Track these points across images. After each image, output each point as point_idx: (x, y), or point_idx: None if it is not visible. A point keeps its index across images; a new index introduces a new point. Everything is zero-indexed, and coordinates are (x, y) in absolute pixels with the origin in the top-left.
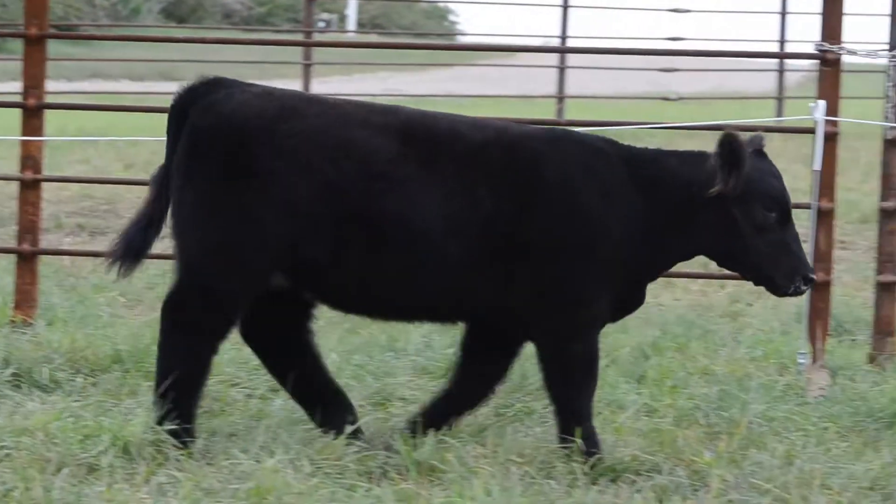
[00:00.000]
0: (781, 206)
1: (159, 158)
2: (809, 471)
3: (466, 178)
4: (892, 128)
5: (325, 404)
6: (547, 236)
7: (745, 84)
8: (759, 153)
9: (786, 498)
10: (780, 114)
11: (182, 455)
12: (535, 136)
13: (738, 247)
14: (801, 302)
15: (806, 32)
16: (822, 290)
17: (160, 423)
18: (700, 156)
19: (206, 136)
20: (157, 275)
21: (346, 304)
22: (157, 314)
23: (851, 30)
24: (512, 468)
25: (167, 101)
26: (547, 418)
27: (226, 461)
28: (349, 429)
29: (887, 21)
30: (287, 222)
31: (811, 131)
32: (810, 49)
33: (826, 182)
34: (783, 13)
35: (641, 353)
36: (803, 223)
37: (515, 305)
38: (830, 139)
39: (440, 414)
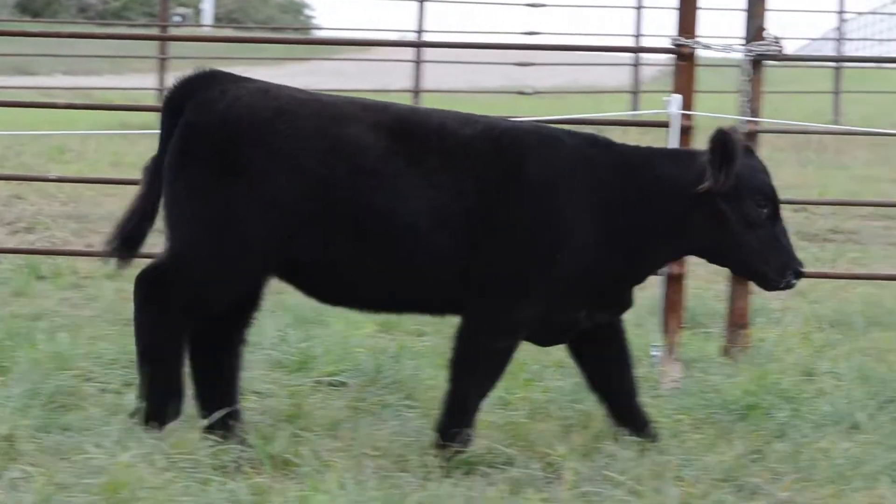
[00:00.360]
0: (773, 201)
1: (13, 153)
2: (662, 462)
3: (453, 172)
4: (745, 122)
5: (220, 406)
6: (509, 232)
7: (601, 78)
8: (748, 149)
9: (639, 490)
10: (635, 107)
11: (35, 450)
12: (527, 133)
13: (730, 244)
14: (654, 294)
15: (661, 27)
16: (675, 283)
17: (143, 395)
18: (691, 154)
19: (199, 134)
20: None
21: (336, 298)
22: None
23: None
24: (366, 461)
25: (19, 96)
26: (401, 411)
27: (79, 456)
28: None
29: (742, 16)
30: (276, 222)
31: (666, 125)
32: (665, 43)
33: None
34: (638, 7)
35: None
36: None
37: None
38: (685, 133)
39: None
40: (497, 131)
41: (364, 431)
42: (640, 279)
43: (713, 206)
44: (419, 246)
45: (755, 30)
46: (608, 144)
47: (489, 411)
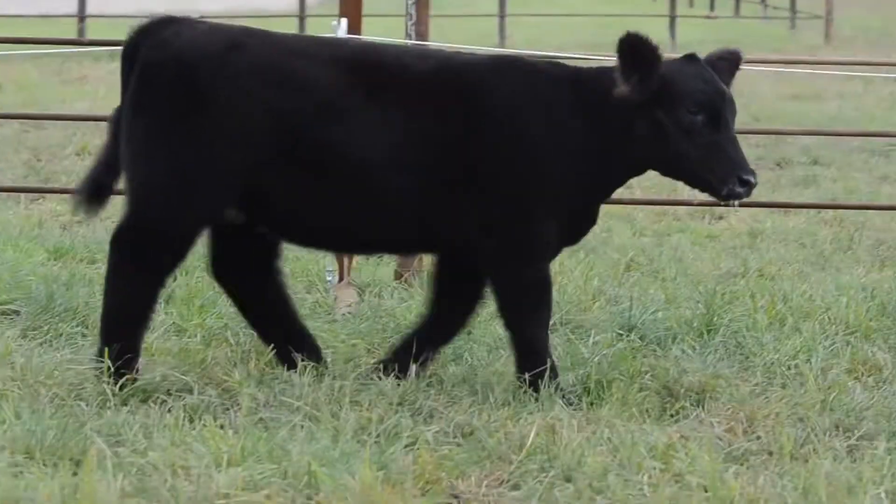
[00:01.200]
0: (708, 108)
1: None
2: (339, 387)
3: (413, 107)
4: (412, 45)
5: (294, 345)
6: (491, 164)
7: (267, 3)
8: (690, 57)
9: (316, 415)
10: (302, 32)
11: None
12: (480, 64)
13: (670, 152)
14: None
15: None
16: None
17: (101, 355)
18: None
19: (155, 72)
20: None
21: (301, 236)
22: None
23: None
24: (41, 390)
25: None
26: (75, 340)
27: None
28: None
29: None
30: (235, 154)
31: None
32: None
33: None
34: None
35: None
36: None
37: (465, 235)
38: None
39: (414, 351)
40: (455, 63)
41: (38, 360)
42: (605, 195)
43: (651, 115)
44: (378, 183)
45: None
46: (560, 66)
47: (164, 338)
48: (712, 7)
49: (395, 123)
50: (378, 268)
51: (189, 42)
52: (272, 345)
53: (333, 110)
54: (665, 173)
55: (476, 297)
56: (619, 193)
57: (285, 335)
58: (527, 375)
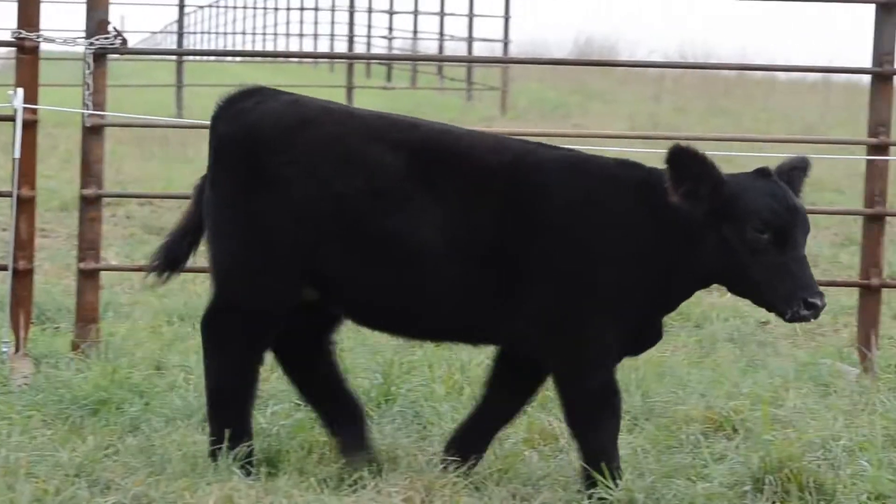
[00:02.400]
0: (775, 227)
1: None
2: (15, 459)
3: (475, 200)
4: (90, 115)
5: (343, 420)
6: (548, 267)
7: None
8: (761, 172)
9: None
10: None
11: None
12: (551, 161)
13: (735, 269)
14: (1, 290)
15: (3, 19)
16: (23, 278)
17: (215, 440)
18: None
19: (228, 145)
20: None
21: (365, 319)
22: None
23: (49, 17)
24: None
25: None
26: None
27: None
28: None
29: (84, 9)
30: (302, 231)
31: (11, 119)
32: (7, 36)
33: (26, 170)
34: None
35: None
36: (4, 211)
37: (525, 335)
38: (29, 127)
39: (476, 435)
40: (529, 160)
41: None
42: (669, 307)
43: (718, 229)
44: (428, 274)
45: (97, 23)
46: (632, 168)
47: None
48: (389, 78)
49: (454, 215)
50: (54, 338)
51: (261, 116)
52: (326, 420)
53: (392, 196)
54: (731, 289)
55: (536, 384)
56: None
57: (337, 413)
58: (591, 487)
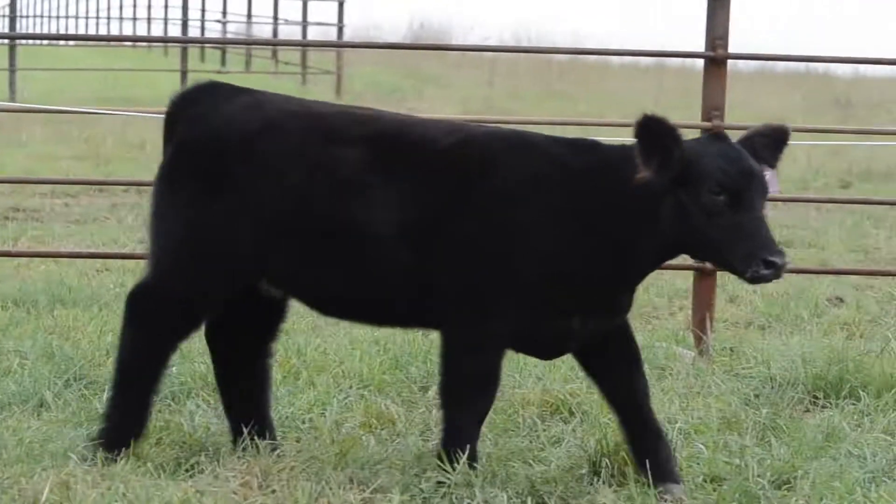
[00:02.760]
0: (730, 188)
1: None
2: None
3: (424, 181)
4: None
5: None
6: (474, 243)
7: None
8: (716, 136)
9: None
10: None
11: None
12: (496, 139)
13: (693, 234)
14: None
15: None
16: None
17: (108, 414)
18: None
19: (189, 149)
20: None
21: (324, 308)
22: None
23: None
24: None
25: None
26: None
27: None
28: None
29: None
30: (260, 234)
31: None
32: None
33: None
34: None
35: None
36: None
37: (433, 308)
38: None
39: (644, 439)
40: (469, 138)
41: None
42: (632, 281)
43: (675, 197)
44: (382, 257)
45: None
46: (589, 148)
47: None
48: (224, 62)
49: (408, 198)
50: None
51: (224, 122)
52: (233, 418)
53: (352, 190)
54: (692, 255)
55: (631, 353)
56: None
57: (248, 416)
58: (444, 457)
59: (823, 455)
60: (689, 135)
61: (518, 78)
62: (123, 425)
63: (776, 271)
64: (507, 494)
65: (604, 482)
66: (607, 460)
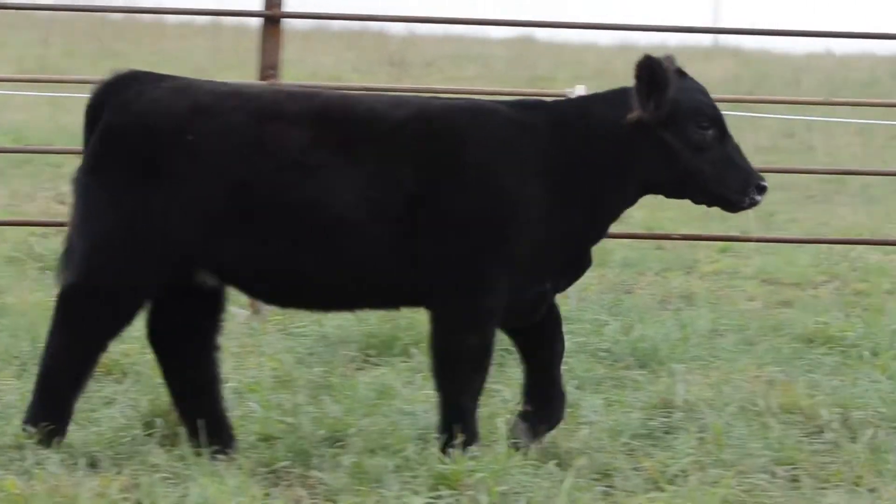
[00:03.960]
0: (715, 121)
1: None
2: None
3: (386, 158)
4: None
5: (208, 425)
6: (458, 215)
7: None
8: (680, 73)
9: None
10: None
11: None
12: (457, 110)
13: (682, 173)
14: None
15: None
16: None
17: (31, 416)
18: (622, 92)
19: (116, 135)
20: None
21: (280, 298)
22: None
23: None
24: None
25: None
26: None
27: None
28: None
29: None
30: (195, 222)
31: None
32: None
33: None
34: None
35: None
36: None
37: (415, 286)
38: None
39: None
40: (429, 112)
41: None
42: (601, 234)
43: (655, 138)
44: (351, 239)
45: None
46: (539, 105)
47: None
48: None
49: (367, 175)
50: None
51: (152, 106)
52: (185, 418)
53: (301, 169)
54: (671, 195)
55: (555, 323)
56: None
57: (201, 414)
58: (444, 436)
59: (376, 412)
60: None
61: (74, 37)
62: (45, 427)
63: (764, 194)
64: (59, 456)
65: (157, 443)
66: (160, 421)
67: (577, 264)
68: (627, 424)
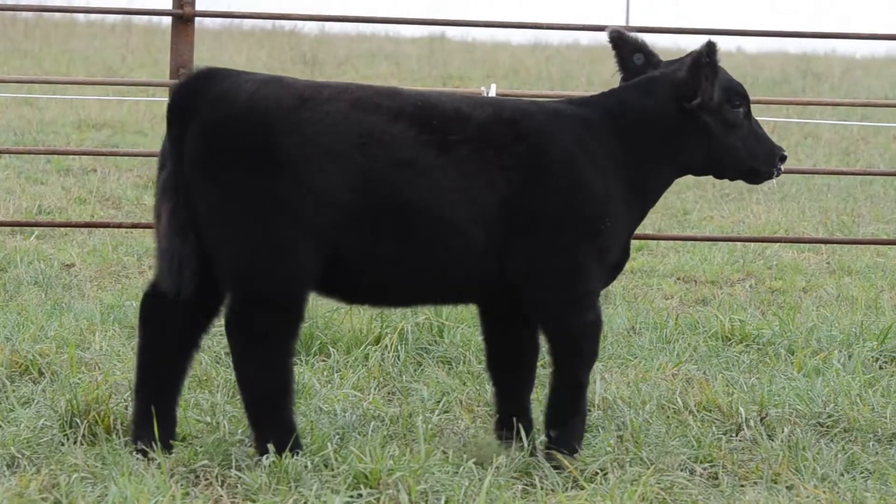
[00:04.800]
0: (745, 98)
1: None
2: None
3: (481, 159)
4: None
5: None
6: (548, 212)
7: None
8: (712, 50)
9: None
10: None
11: None
12: (535, 111)
13: (719, 152)
14: None
15: None
16: None
17: (268, 445)
18: (648, 80)
19: (223, 129)
20: None
21: (371, 296)
22: None
23: None
24: None
25: None
26: None
27: None
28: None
29: None
30: (324, 211)
31: None
32: None
33: None
34: None
35: None
36: None
37: (515, 280)
38: None
39: (515, 405)
40: (507, 112)
41: None
42: (648, 209)
43: (697, 121)
44: (457, 238)
45: None
46: (587, 102)
47: None
48: None
49: (467, 176)
50: None
51: (255, 95)
52: (142, 400)
53: (412, 167)
54: (702, 173)
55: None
56: None
57: (156, 402)
58: (562, 415)
59: (295, 411)
60: (156, 93)
61: None
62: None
63: (783, 165)
64: None
65: (75, 442)
66: (78, 420)
67: (623, 255)
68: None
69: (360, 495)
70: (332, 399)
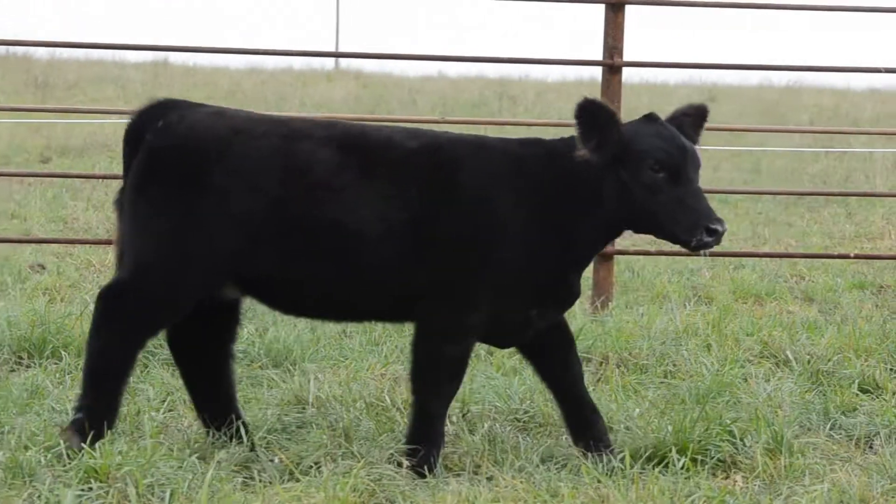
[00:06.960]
0: (669, 165)
1: None
2: None
3: (399, 182)
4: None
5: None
6: (452, 238)
7: None
8: (649, 117)
9: None
10: None
11: None
12: (462, 144)
13: (638, 211)
14: None
15: None
16: None
17: (78, 409)
18: None
19: (162, 155)
20: None
21: (296, 309)
22: None
23: None
24: None
25: None
26: None
27: None
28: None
29: None
30: (234, 235)
31: None
32: None
33: None
34: None
35: None
36: None
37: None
38: None
39: (581, 415)
40: (437, 143)
41: None
42: (582, 263)
43: (616, 177)
44: (367, 255)
45: None
46: (536, 144)
47: None
48: None
49: (383, 197)
50: None
51: (195, 127)
52: (206, 419)
53: (329, 188)
54: (637, 231)
55: (567, 337)
56: None
57: (218, 417)
58: (410, 439)
59: (28, 411)
60: None
61: None
62: (95, 419)
63: (717, 238)
64: None
65: None
66: None
67: (563, 295)
68: (264, 420)
69: (91, 489)
70: (65, 399)
